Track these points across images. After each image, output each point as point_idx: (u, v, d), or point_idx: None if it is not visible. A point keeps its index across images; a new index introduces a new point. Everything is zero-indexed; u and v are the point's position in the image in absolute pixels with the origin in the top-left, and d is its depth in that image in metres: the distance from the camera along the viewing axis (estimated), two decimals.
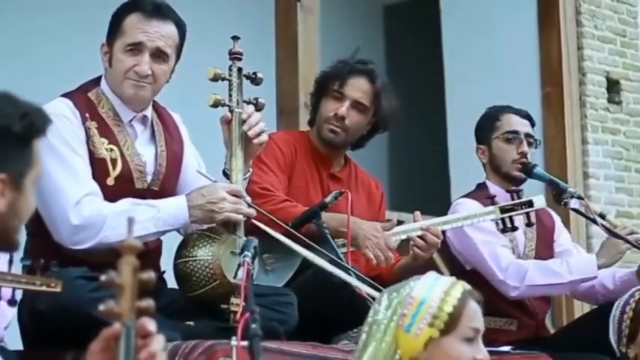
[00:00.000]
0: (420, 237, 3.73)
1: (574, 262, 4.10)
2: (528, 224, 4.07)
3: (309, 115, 4.10)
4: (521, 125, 4.30)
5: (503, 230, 3.99)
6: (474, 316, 2.49)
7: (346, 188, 3.75)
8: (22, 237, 2.07)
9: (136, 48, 3.31)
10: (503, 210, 3.93)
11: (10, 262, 2.46)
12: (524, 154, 4.24)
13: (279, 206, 3.63)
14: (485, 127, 4.35)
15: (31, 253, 2.97)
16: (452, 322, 2.45)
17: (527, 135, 4.29)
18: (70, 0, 5.40)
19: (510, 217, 3.93)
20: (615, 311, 3.43)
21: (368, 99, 3.90)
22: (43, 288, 2.56)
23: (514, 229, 3.98)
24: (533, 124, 4.35)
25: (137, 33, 3.31)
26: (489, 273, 4.08)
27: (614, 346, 3.43)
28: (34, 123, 1.91)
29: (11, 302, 2.52)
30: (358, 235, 3.66)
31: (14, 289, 2.52)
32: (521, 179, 4.25)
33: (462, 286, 2.52)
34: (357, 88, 3.90)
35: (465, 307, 2.47)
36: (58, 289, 2.58)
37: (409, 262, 3.84)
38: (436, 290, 2.50)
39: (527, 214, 3.98)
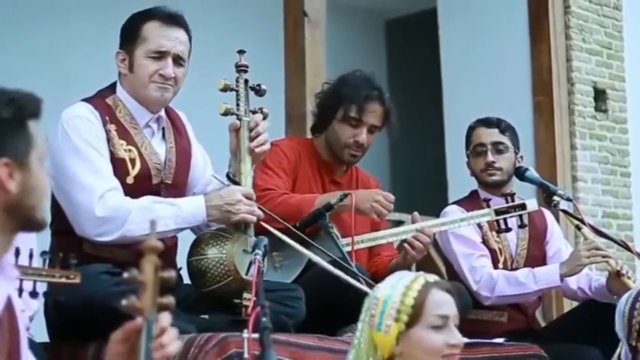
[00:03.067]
0: (414, 237, 3.73)
1: (539, 272, 4.11)
2: (521, 226, 4.08)
3: (316, 124, 4.06)
4: (487, 136, 4.23)
5: (498, 231, 4.01)
6: (440, 304, 2.42)
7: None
8: (48, 216, 2.01)
9: (159, 54, 3.31)
10: (498, 212, 3.94)
11: (31, 256, 2.45)
12: (489, 165, 4.20)
13: (279, 200, 3.64)
14: (465, 143, 4.34)
15: (55, 250, 2.97)
16: (415, 314, 2.40)
17: (494, 143, 4.22)
18: (106, 8, 5.40)
19: (505, 219, 3.94)
20: (624, 307, 3.40)
21: (381, 120, 3.90)
22: (63, 280, 2.55)
23: (508, 230, 3.99)
24: (503, 130, 4.24)
25: (160, 40, 3.31)
26: (467, 283, 4.11)
27: (624, 340, 3.40)
28: (23, 106, 1.90)
29: (33, 294, 2.50)
30: (359, 203, 3.66)
31: (35, 282, 2.51)
32: (496, 184, 4.22)
33: (424, 279, 2.46)
34: (374, 114, 3.86)
35: (427, 296, 2.41)
36: (77, 281, 2.57)
37: (400, 262, 3.83)
38: (398, 287, 2.45)
39: (521, 216, 3.99)
